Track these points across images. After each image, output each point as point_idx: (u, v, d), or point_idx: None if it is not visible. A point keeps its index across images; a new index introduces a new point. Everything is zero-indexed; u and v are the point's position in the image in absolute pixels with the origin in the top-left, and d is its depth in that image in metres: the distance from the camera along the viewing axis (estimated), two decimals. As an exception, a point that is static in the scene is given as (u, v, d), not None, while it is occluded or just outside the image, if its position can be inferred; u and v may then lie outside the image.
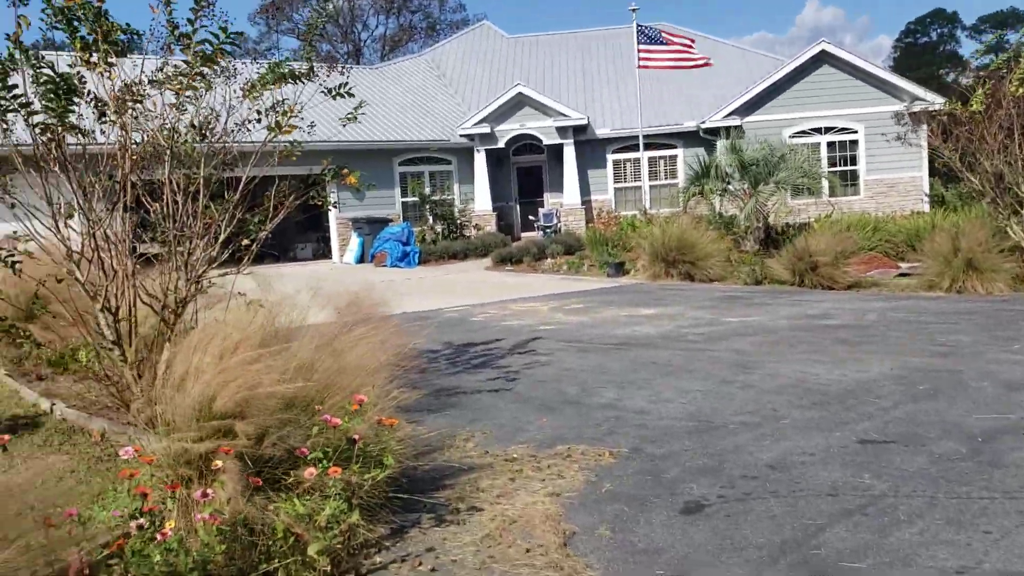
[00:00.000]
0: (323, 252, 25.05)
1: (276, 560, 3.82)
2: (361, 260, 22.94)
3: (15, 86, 5.34)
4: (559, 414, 6.61)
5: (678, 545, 4.13)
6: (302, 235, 25.09)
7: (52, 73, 5.25)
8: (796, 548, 4.03)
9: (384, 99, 26.44)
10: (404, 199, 24.65)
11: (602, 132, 25.53)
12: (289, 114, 5.88)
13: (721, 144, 20.27)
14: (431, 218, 24.45)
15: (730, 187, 18.85)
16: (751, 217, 17.85)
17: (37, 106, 5.37)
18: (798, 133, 24.14)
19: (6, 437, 4.13)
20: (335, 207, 7.87)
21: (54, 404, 7.43)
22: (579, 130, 25.10)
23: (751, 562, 3.92)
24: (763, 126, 23.68)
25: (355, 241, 23.26)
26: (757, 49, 33.26)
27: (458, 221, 24.66)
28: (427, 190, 24.78)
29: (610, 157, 25.97)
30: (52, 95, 5.15)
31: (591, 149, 25.76)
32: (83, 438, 6.40)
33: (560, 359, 8.72)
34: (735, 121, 24.03)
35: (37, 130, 5.57)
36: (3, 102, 5.26)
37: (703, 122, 24.43)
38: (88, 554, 3.53)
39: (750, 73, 26.34)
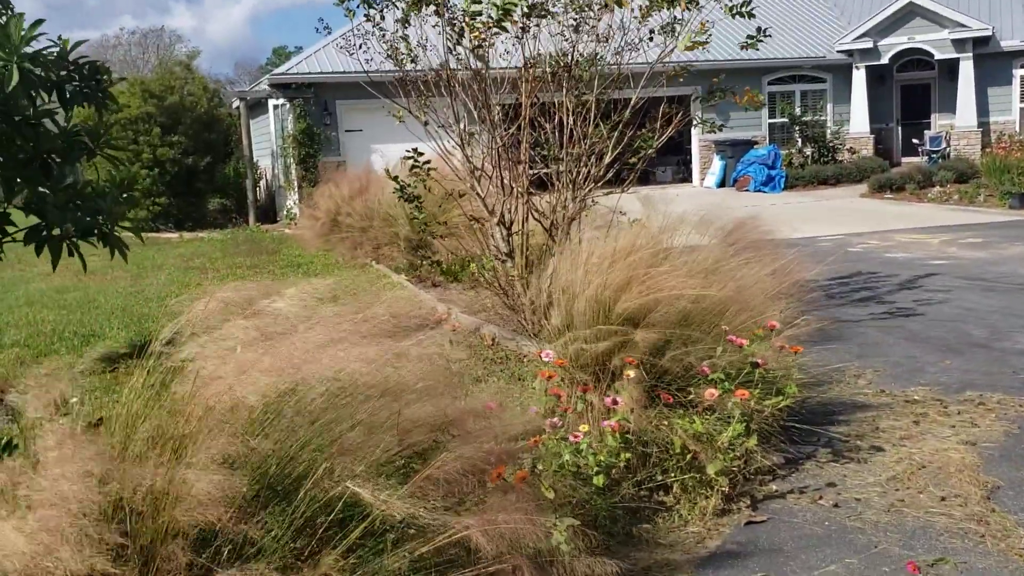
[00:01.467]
0: (682, 175, 24.81)
1: (672, 474, 3.88)
2: (722, 184, 22.41)
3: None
4: (965, 357, 5.97)
5: None
6: (661, 158, 24.98)
7: None
8: None
9: (757, 15, 25.20)
10: (771, 120, 23.54)
11: (1008, 44, 22.25)
12: (701, 30, 5.75)
13: None
14: (800, 140, 23.13)
15: None
16: None
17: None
18: None
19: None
20: (719, 129, 7.60)
21: (450, 309, 8.18)
22: (979, 42, 22.08)
23: None
24: None
25: (717, 164, 22.74)
26: None
27: (830, 144, 23.07)
28: (797, 111, 23.43)
29: (1017, 72, 22.63)
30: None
31: (992, 64, 22.57)
32: (476, 340, 6.97)
33: (959, 297, 7.86)
34: None
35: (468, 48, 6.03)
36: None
37: None
38: (504, 444, 3.83)
39: None
